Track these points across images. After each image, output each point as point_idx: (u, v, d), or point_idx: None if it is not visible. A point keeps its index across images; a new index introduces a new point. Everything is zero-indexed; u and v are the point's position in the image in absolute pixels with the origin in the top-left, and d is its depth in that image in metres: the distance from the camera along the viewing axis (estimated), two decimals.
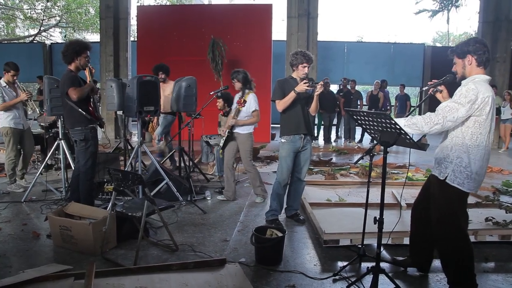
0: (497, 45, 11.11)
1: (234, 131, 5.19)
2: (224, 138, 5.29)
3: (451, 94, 2.83)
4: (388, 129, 2.59)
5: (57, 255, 3.53)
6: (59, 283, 2.91)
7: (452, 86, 2.89)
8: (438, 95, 2.97)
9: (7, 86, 5.60)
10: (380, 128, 2.67)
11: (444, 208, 2.83)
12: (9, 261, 3.39)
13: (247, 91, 5.14)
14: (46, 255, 3.55)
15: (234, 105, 5.23)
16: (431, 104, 12.53)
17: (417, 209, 3.19)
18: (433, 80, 3.01)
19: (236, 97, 5.25)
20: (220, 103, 6.48)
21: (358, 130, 11.98)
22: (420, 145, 2.63)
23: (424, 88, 3.06)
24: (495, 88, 10.63)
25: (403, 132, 2.53)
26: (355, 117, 2.92)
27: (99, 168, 5.49)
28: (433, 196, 2.92)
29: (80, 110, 4.22)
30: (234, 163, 5.49)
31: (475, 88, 2.62)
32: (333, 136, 12.35)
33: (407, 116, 2.80)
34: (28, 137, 5.91)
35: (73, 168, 4.97)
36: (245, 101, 5.05)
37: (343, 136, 12.20)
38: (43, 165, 5.60)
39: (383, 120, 2.59)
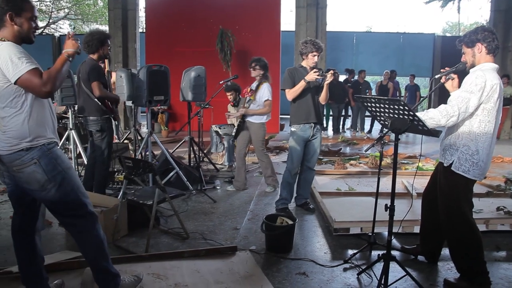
0: (510, 34, 10.93)
1: (247, 119, 5.16)
2: (236, 127, 5.28)
3: (461, 83, 2.81)
4: (400, 115, 2.57)
5: (69, 242, 3.55)
6: (71, 273, 2.95)
7: (462, 75, 2.86)
8: (448, 84, 2.93)
9: None
10: (391, 115, 2.65)
11: (448, 196, 2.83)
12: None
13: (263, 80, 5.09)
14: (59, 242, 3.60)
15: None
16: (440, 95, 12.42)
17: (427, 198, 3.18)
18: (445, 68, 2.98)
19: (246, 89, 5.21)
20: (232, 95, 6.44)
21: (367, 121, 11.91)
22: (433, 131, 2.59)
23: (436, 76, 3.02)
24: (507, 78, 10.47)
25: (416, 118, 2.51)
26: (365, 104, 2.88)
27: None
28: (439, 184, 2.91)
29: (96, 100, 4.21)
30: (245, 153, 5.46)
31: (483, 75, 2.62)
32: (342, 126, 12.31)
33: (415, 106, 2.78)
34: None
35: (84, 159, 5.01)
36: (252, 90, 5.02)
37: (352, 126, 12.16)
38: None
39: (395, 107, 2.57)
